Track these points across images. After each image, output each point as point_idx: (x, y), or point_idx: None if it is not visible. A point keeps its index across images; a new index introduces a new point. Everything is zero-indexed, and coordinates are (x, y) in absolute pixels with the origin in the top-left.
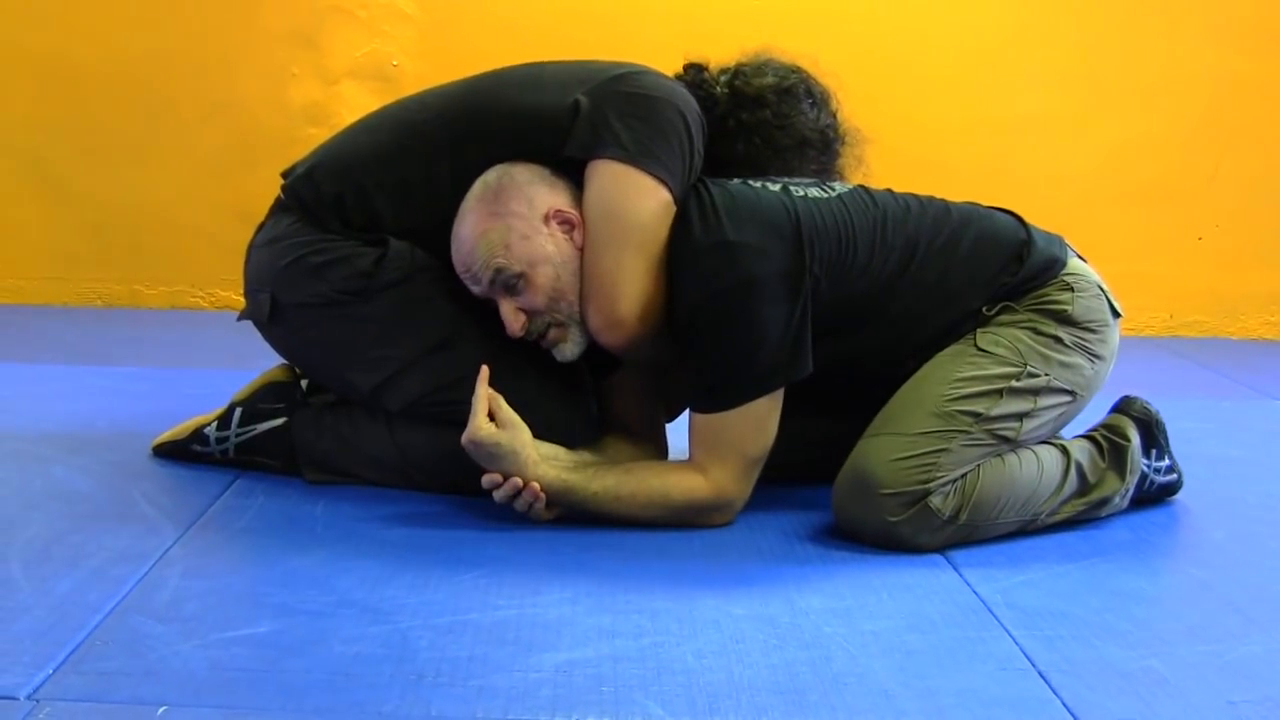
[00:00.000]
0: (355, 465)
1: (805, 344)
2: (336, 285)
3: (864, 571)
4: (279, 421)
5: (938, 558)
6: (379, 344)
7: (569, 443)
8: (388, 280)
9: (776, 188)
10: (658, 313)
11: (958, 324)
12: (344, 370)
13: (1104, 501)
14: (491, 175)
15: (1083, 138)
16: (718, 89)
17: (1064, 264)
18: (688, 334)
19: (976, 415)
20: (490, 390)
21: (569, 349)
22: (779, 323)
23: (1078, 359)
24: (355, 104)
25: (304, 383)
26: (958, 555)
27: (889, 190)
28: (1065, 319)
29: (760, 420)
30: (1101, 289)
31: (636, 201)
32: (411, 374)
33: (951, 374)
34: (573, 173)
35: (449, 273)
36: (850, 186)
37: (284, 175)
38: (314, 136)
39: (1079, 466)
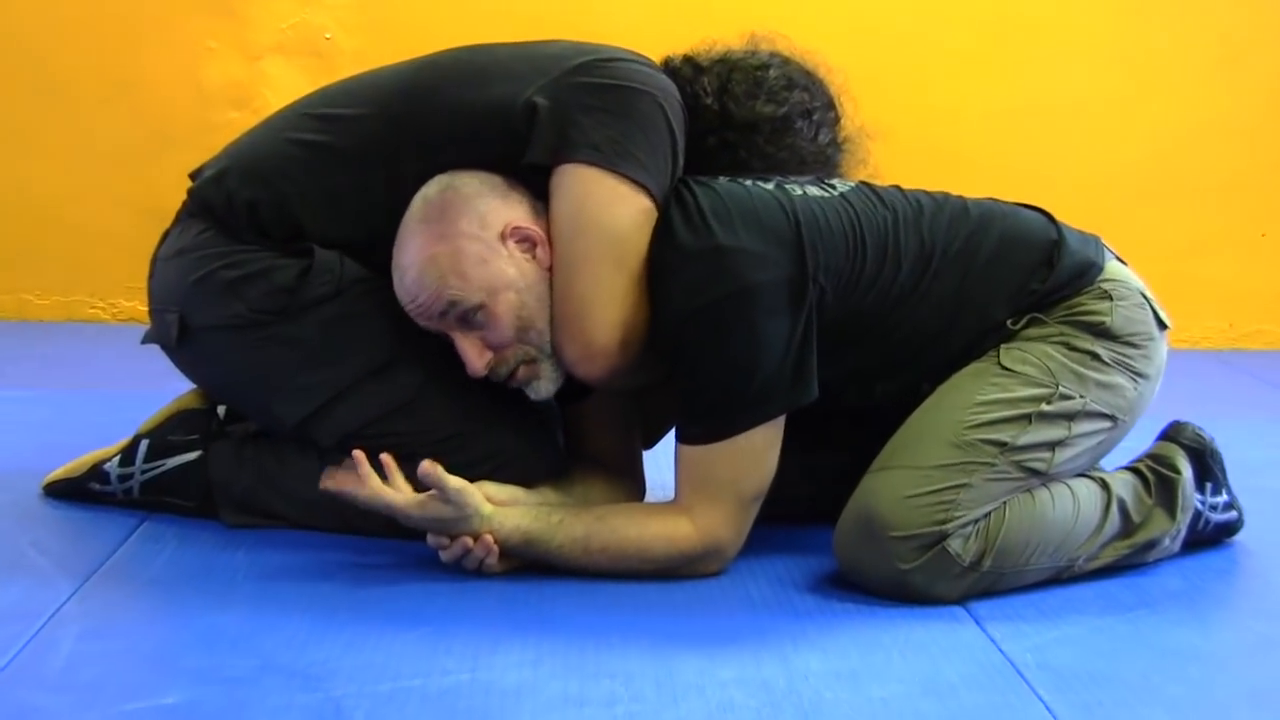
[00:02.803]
0: (282, 506)
1: (809, 365)
2: (255, 303)
3: (871, 627)
4: (192, 455)
5: (957, 610)
6: (306, 370)
7: (527, 479)
8: (314, 296)
9: (770, 185)
10: (642, 338)
11: (979, 339)
12: (267, 401)
13: (1151, 544)
14: (432, 189)
15: (1125, 123)
16: (708, 99)
17: (1101, 268)
18: (673, 354)
19: (1001, 445)
20: (430, 465)
21: (543, 386)
22: (779, 340)
23: (1118, 378)
24: (282, 84)
25: (221, 409)
26: (980, 607)
27: (897, 187)
28: (1103, 332)
29: (758, 454)
30: (1145, 297)
31: (613, 210)
32: (345, 403)
33: (971, 397)
34: (532, 182)
35: (385, 285)
36: (853, 184)
37: (192, 177)
38: (234, 122)
39: (1121, 504)
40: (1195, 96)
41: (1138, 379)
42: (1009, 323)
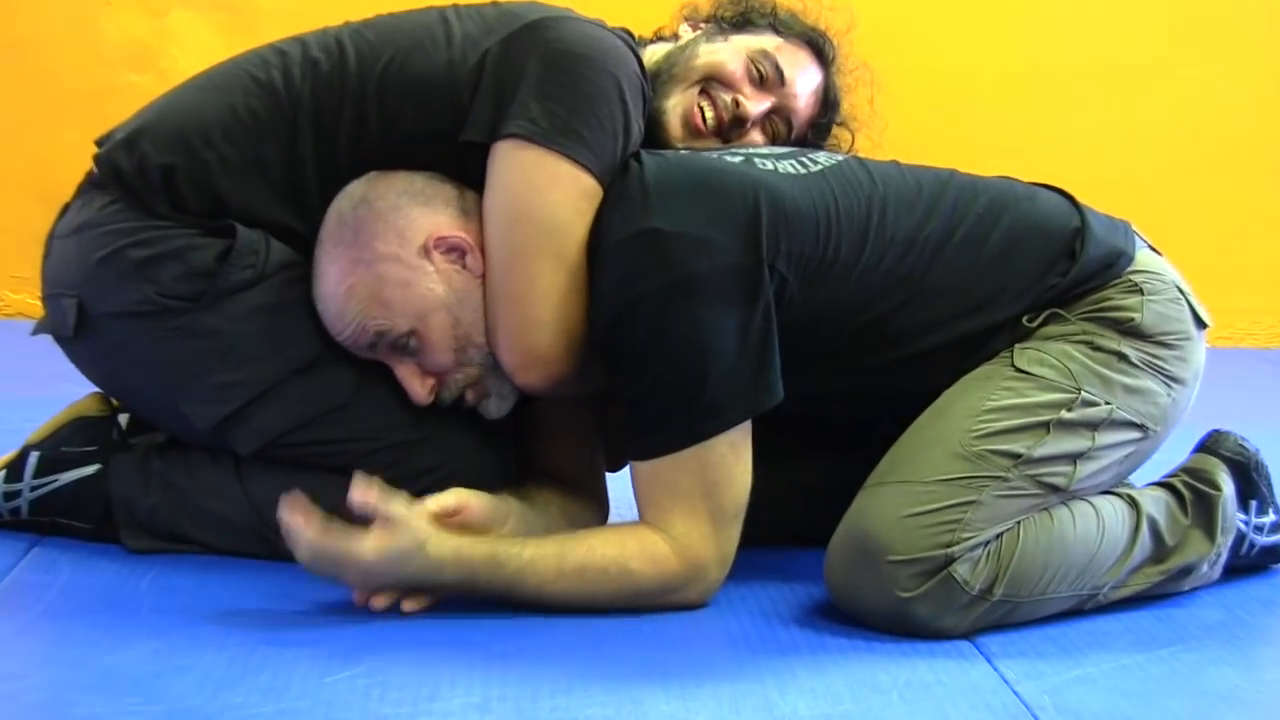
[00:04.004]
0: (193, 527)
1: (771, 363)
2: (167, 288)
3: (867, 664)
4: (90, 469)
5: (965, 646)
6: (225, 366)
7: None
8: (236, 281)
9: (737, 159)
10: (585, 342)
11: (988, 338)
12: (177, 401)
13: (1187, 570)
14: (345, 203)
15: (1159, 87)
16: None
17: (1131, 258)
18: (611, 357)
19: (1015, 457)
20: (362, 496)
21: (495, 405)
22: (729, 335)
23: (1149, 383)
24: (191, 41)
25: (123, 417)
26: (992, 642)
27: (894, 163)
28: (1132, 330)
29: (725, 466)
30: (1181, 291)
31: (548, 195)
32: (268, 405)
33: (981, 403)
34: (472, 166)
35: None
36: (840, 158)
37: (99, 143)
38: (136, 86)
39: (1153, 524)
40: (1240, 56)
41: (1171, 384)
42: (1025, 319)
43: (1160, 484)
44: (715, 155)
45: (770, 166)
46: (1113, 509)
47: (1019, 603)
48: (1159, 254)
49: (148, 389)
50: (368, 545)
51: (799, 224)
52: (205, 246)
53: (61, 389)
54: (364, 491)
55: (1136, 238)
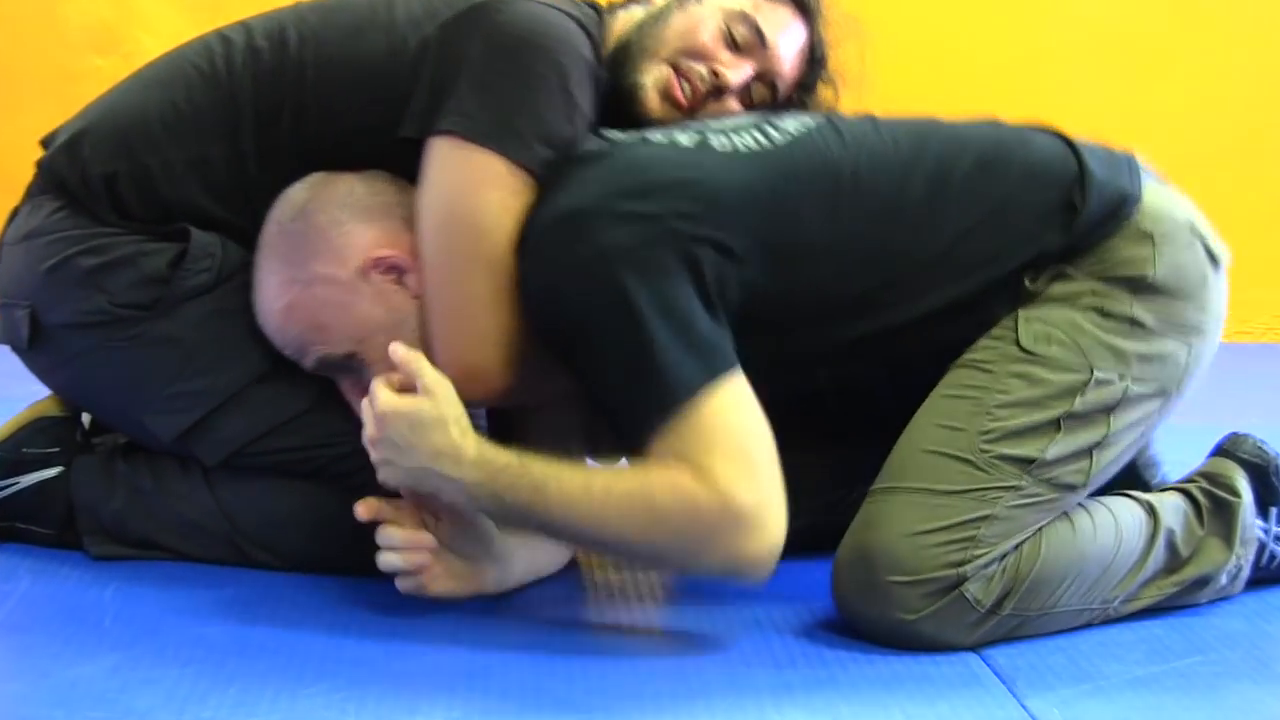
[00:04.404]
0: (160, 532)
1: (720, 328)
2: (120, 297)
3: (869, 678)
4: (51, 472)
5: (971, 658)
6: (183, 376)
7: None
8: (191, 287)
9: (688, 139)
10: (534, 346)
11: (985, 300)
12: (138, 414)
13: (1203, 582)
14: (285, 210)
15: (1180, 64)
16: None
17: (1137, 199)
18: (561, 353)
19: (1028, 462)
20: (406, 351)
21: None
22: (664, 300)
23: (1166, 344)
24: (159, 24)
25: (86, 417)
26: (999, 654)
27: (869, 119)
28: (1145, 286)
29: (726, 414)
30: (1195, 231)
31: (477, 197)
32: (231, 414)
33: (990, 396)
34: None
35: None
36: (811, 123)
37: (44, 144)
38: (100, 70)
39: (1169, 535)
40: (1259, 35)
41: (1191, 337)
42: (1027, 281)
43: (1176, 488)
44: (663, 136)
45: (728, 146)
46: (1132, 518)
47: (1026, 618)
48: (1166, 186)
49: (107, 400)
50: (393, 395)
51: (752, 204)
52: (158, 252)
53: (20, 389)
54: (405, 353)
55: (1140, 170)
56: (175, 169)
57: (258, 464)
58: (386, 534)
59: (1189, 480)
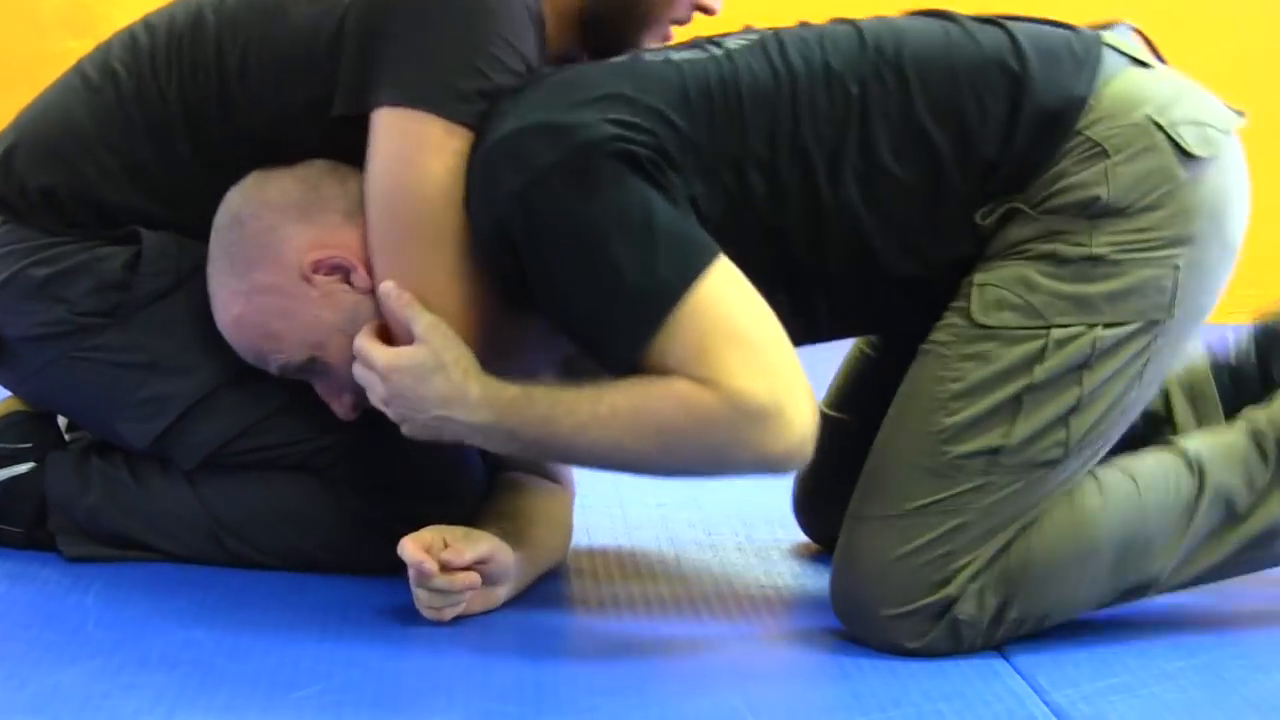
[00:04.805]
0: (140, 529)
1: (683, 216)
2: (79, 305)
3: (889, 675)
4: (23, 468)
5: (991, 653)
6: (152, 381)
7: (442, 488)
8: (151, 290)
9: (620, 58)
10: (507, 316)
11: (939, 246)
12: (110, 421)
13: (1272, 534)
14: (223, 217)
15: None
16: None
17: (1082, 101)
18: (528, 292)
19: (993, 452)
20: (397, 291)
21: None
22: (620, 208)
23: (1144, 271)
24: (132, 4)
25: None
26: (1021, 648)
27: (810, 26)
28: (1101, 210)
29: (715, 305)
30: (1153, 122)
31: (423, 168)
32: (204, 417)
33: (943, 387)
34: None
35: None
36: (753, 37)
37: None
38: (73, 52)
39: (1221, 490)
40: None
41: (1177, 250)
42: (978, 218)
43: (1237, 422)
44: (627, 58)
45: (660, 58)
46: (1162, 477)
47: (1045, 613)
48: (1144, 68)
49: (79, 409)
50: (387, 350)
51: (682, 111)
52: (111, 256)
53: None
54: (397, 294)
55: (1105, 56)
56: (114, 176)
57: (238, 462)
58: (436, 582)
59: (1258, 406)
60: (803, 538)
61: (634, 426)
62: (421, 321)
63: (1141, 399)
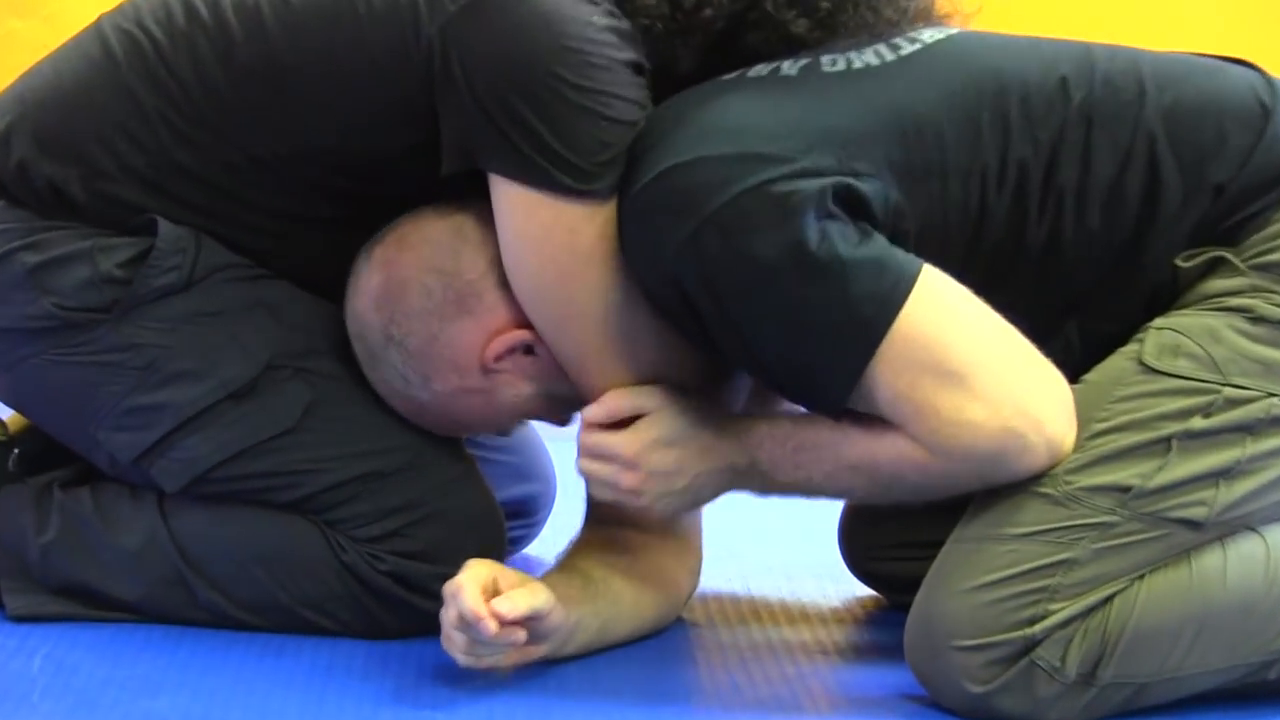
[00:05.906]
0: (100, 576)
1: (870, 239)
2: (69, 298)
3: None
4: None
5: None
6: (145, 387)
7: (460, 541)
8: (156, 287)
9: (795, 68)
10: (698, 363)
11: (1131, 291)
12: (89, 428)
13: None
14: (375, 336)
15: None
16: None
17: None
18: (705, 326)
19: (1123, 491)
20: (598, 409)
21: None
22: (826, 233)
23: None
24: None
25: (17, 451)
26: None
27: (1008, 38)
28: None
29: (931, 328)
30: None
31: (577, 251)
32: (198, 433)
33: (1087, 425)
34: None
35: (259, 273)
36: (939, 34)
37: None
38: (17, 34)
39: None
40: None
41: None
42: (1180, 261)
43: None
44: (763, 70)
45: (841, 66)
46: None
47: (1145, 683)
48: None
49: (56, 416)
50: (625, 435)
51: (881, 130)
52: (118, 247)
53: None
54: (600, 409)
55: None
56: (139, 174)
57: (227, 491)
58: (499, 636)
59: None
60: (848, 592)
61: (870, 478)
62: (640, 399)
63: None
